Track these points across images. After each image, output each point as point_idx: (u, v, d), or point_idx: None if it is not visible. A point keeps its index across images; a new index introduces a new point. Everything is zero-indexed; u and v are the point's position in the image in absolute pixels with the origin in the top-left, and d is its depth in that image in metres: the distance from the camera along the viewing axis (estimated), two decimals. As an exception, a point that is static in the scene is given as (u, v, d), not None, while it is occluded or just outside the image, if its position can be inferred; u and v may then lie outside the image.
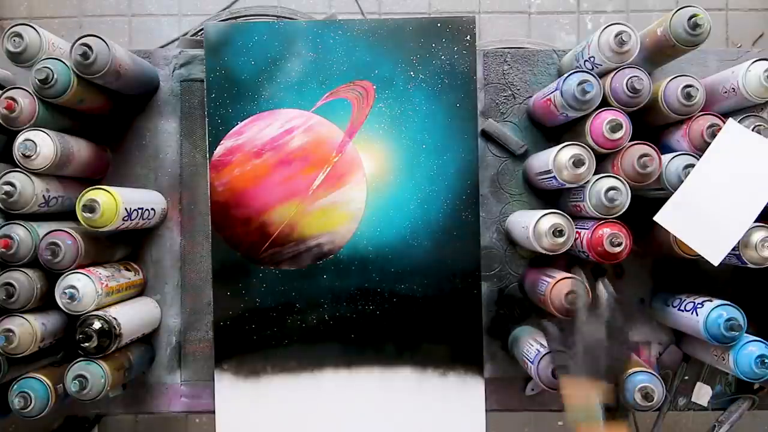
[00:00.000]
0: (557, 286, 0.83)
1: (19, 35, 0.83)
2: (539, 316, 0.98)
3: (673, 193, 0.81)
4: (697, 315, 0.84)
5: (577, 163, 0.81)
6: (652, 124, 0.89)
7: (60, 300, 0.82)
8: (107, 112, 0.96)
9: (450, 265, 0.96)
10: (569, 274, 0.84)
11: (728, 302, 0.82)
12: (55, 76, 0.81)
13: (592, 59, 0.86)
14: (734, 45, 1.95)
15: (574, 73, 0.83)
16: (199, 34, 1.64)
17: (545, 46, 1.30)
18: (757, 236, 0.79)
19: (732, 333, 0.80)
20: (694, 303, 0.85)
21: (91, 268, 0.86)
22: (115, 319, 0.84)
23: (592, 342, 0.75)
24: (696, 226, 0.80)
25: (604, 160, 0.87)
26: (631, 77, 0.81)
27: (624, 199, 0.81)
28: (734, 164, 0.80)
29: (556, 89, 0.86)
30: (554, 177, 0.84)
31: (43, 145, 0.82)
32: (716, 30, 1.91)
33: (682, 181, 0.80)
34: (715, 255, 0.79)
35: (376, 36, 0.96)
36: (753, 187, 0.79)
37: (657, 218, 0.81)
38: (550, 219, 0.83)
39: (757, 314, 0.89)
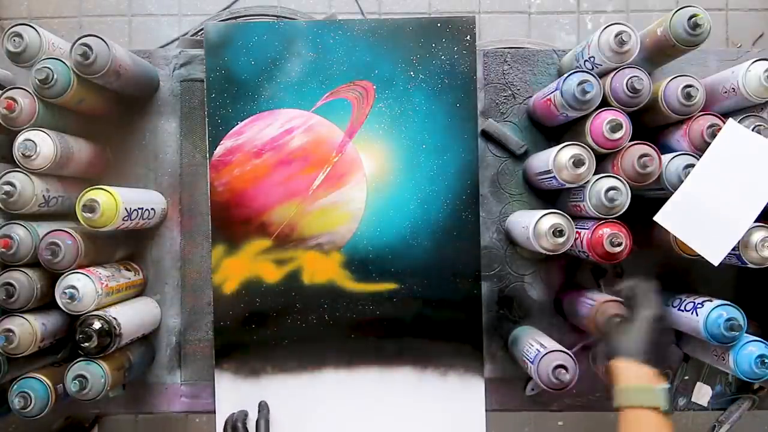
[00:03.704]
0: (602, 309, 0.83)
1: (19, 35, 0.83)
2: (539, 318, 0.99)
3: (673, 193, 0.81)
4: (697, 315, 0.83)
5: (577, 163, 0.81)
6: (652, 124, 0.89)
7: (60, 300, 0.82)
8: (107, 112, 0.96)
9: (450, 265, 0.96)
10: (612, 297, 0.84)
11: (728, 302, 0.82)
12: (55, 76, 0.81)
13: (592, 59, 0.86)
14: (734, 45, 1.95)
15: (574, 73, 0.83)
16: (199, 34, 1.64)
17: (545, 46, 1.30)
18: (757, 236, 0.79)
19: (732, 333, 0.80)
20: (694, 303, 0.85)
21: (91, 268, 0.86)
22: (115, 319, 0.84)
23: (657, 333, 0.75)
24: (696, 226, 0.80)
25: (604, 160, 0.87)
26: (631, 77, 0.81)
27: (624, 199, 0.81)
28: (734, 164, 0.80)
29: (556, 89, 0.86)
30: (554, 177, 0.84)
31: (43, 145, 0.82)
32: (716, 30, 1.91)
33: (683, 181, 0.81)
34: (715, 255, 0.79)
35: (376, 36, 0.96)
36: (753, 187, 0.79)
37: (657, 218, 0.81)
38: (550, 219, 0.83)
39: (757, 314, 0.89)
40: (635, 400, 0.70)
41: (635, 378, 0.72)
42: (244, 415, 0.93)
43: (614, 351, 0.75)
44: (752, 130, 0.81)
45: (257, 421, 0.91)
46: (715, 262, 0.79)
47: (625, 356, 0.73)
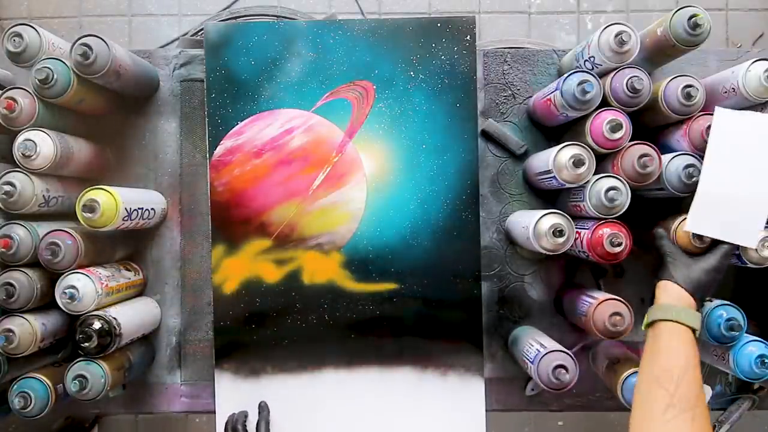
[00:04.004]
0: (600, 308, 0.83)
1: (19, 35, 0.83)
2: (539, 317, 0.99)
3: (674, 193, 0.81)
4: (697, 315, 0.83)
5: (577, 163, 0.81)
6: (652, 124, 0.89)
7: (60, 300, 0.82)
8: (107, 112, 0.96)
9: (450, 265, 0.96)
10: (612, 296, 0.84)
11: (728, 302, 0.82)
12: (55, 76, 0.81)
13: (592, 59, 0.86)
14: (734, 45, 1.95)
15: (574, 73, 0.83)
16: (199, 34, 1.64)
17: (545, 46, 1.30)
18: (758, 236, 0.79)
19: (732, 333, 0.80)
20: (694, 303, 0.85)
21: (91, 268, 0.86)
22: (115, 319, 0.84)
23: (714, 265, 0.78)
24: (724, 221, 0.78)
25: (604, 160, 0.87)
26: (631, 77, 0.81)
27: (624, 199, 0.81)
28: (737, 148, 0.78)
29: (556, 89, 0.86)
30: (554, 177, 0.84)
31: (43, 145, 0.82)
32: (716, 30, 1.91)
33: (683, 182, 0.80)
34: (749, 239, 0.78)
35: (376, 36, 0.96)
36: (763, 162, 0.78)
37: (690, 229, 0.79)
38: (550, 219, 0.83)
39: (757, 314, 0.89)
40: (673, 315, 0.74)
41: (678, 299, 0.76)
42: (245, 416, 0.93)
43: (670, 274, 0.78)
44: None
45: (258, 423, 0.91)
46: (753, 245, 0.78)
47: (680, 281, 0.77)
